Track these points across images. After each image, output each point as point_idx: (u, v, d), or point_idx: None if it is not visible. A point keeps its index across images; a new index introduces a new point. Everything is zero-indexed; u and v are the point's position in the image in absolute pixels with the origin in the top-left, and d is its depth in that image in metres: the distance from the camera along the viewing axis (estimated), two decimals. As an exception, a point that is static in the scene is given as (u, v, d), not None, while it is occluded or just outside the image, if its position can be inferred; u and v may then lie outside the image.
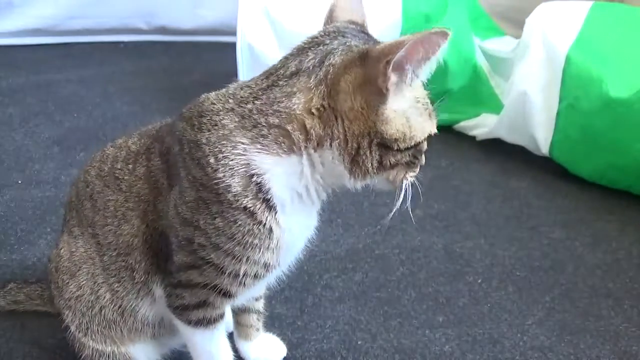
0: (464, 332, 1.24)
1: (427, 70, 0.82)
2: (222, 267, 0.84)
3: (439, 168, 1.85)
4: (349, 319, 1.26)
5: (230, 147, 0.78)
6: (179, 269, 0.87)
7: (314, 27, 2.26)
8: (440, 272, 1.41)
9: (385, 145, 0.79)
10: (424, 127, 0.83)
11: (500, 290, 1.36)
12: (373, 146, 0.79)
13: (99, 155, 0.99)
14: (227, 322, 1.14)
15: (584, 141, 1.70)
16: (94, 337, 0.98)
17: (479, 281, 1.39)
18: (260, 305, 1.10)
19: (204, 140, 0.80)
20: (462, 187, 1.77)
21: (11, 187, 1.63)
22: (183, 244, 0.85)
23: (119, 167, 0.94)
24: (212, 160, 0.79)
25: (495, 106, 1.95)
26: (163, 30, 2.74)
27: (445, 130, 2.06)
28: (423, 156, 0.89)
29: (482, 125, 1.97)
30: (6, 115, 2.01)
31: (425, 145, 0.87)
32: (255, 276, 0.86)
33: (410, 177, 0.87)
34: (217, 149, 0.79)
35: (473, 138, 2.00)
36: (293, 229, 0.84)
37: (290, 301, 1.29)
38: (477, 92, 2.02)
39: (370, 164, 0.80)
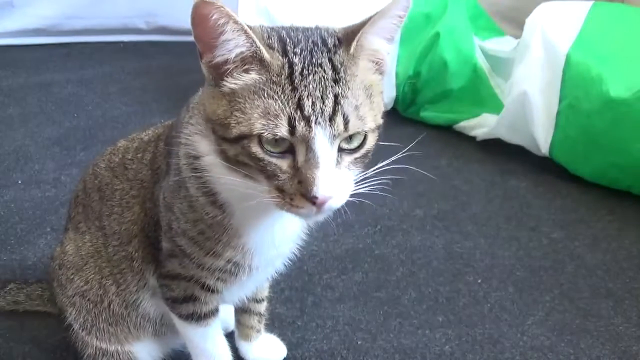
0: (464, 332, 1.24)
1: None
2: (192, 257, 0.84)
3: (439, 168, 1.85)
4: (349, 319, 1.26)
5: (187, 130, 0.80)
6: (165, 257, 0.89)
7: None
8: (440, 272, 1.41)
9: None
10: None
11: (500, 290, 1.36)
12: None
13: (110, 148, 1.02)
14: (227, 320, 1.15)
15: (584, 141, 1.70)
16: (98, 335, 0.99)
17: (479, 281, 1.39)
18: (262, 307, 1.10)
19: (184, 122, 0.81)
20: (462, 187, 1.77)
21: (11, 187, 1.62)
22: (165, 230, 0.86)
23: (129, 157, 0.96)
24: (181, 141, 0.80)
25: (495, 106, 1.95)
26: (163, 30, 2.74)
27: (445, 130, 2.06)
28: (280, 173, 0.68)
29: (482, 125, 1.97)
30: (6, 115, 2.01)
31: (256, 149, 0.67)
32: (229, 272, 0.85)
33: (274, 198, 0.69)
34: (184, 131, 0.80)
35: (473, 138, 2.00)
36: (257, 231, 0.81)
37: (290, 301, 1.29)
38: (477, 92, 2.02)
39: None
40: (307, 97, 0.65)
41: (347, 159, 0.69)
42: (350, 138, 0.68)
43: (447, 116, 2.05)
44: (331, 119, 0.65)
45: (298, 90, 0.65)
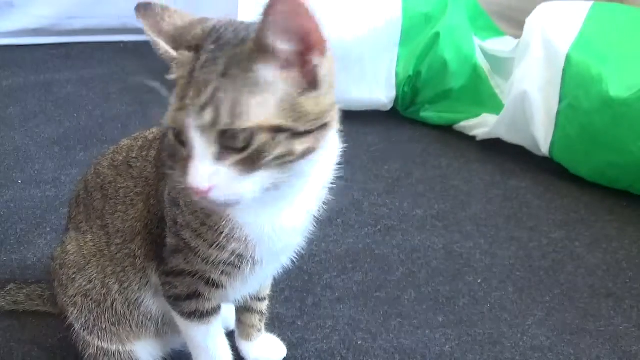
0: (464, 332, 1.24)
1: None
2: (197, 251, 0.84)
3: (439, 168, 1.85)
4: (349, 319, 1.26)
5: None
6: (169, 254, 0.89)
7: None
8: (440, 272, 1.41)
9: None
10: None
11: (500, 290, 1.36)
12: None
13: (113, 147, 1.02)
14: (228, 319, 1.15)
15: (584, 141, 1.70)
16: (100, 334, 0.99)
17: (479, 281, 1.39)
18: (263, 306, 1.11)
19: None
20: (462, 187, 1.77)
21: (11, 187, 1.63)
22: (170, 225, 0.87)
23: (134, 155, 0.97)
24: None
25: (495, 106, 1.95)
26: (163, 30, 2.74)
27: (445, 130, 2.06)
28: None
29: (482, 125, 1.97)
30: (6, 115, 2.01)
31: (169, 138, 0.73)
32: (233, 265, 0.85)
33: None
34: None
35: (473, 138, 2.00)
36: (256, 223, 0.81)
37: (290, 301, 1.29)
38: (477, 92, 2.02)
39: None
40: (192, 88, 0.67)
41: (233, 157, 0.67)
42: (235, 136, 0.67)
43: (447, 116, 2.05)
44: (201, 110, 0.66)
45: (191, 83, 0.68)
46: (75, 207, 1.02)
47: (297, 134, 0.68)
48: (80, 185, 1.03)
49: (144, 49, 2.83)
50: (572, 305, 1.33)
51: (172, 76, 0.71)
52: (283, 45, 0.67)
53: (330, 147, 0.79)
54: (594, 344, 1.22)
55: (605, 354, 1.20)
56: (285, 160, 0.69)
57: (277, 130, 0.67)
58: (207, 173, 0.67)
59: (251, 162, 0.68)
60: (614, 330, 1.26)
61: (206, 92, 0.66)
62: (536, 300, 1.34)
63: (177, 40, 0.73)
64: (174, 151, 0.72)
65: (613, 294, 1.36)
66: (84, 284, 0.97)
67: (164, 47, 0.72)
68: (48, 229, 1.46)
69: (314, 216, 0.87)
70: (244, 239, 0.82)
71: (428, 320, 1.27)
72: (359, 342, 1.20)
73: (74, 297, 0.98)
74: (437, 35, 1.96)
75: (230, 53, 0.68)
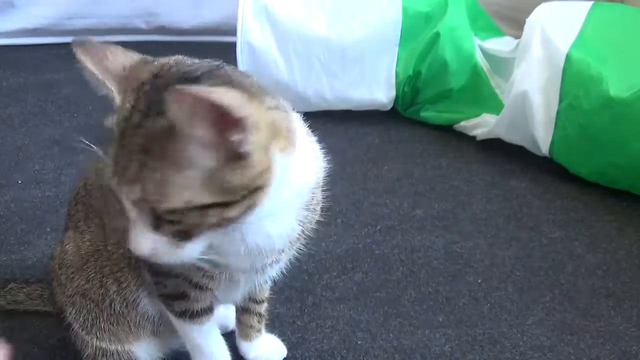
0: (464, 332, 1.24)
1: None
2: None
3: (439, 168, 1.85)
4: (349, 319, 1.26)
5: None
6: None
7: (315, 26, 2.25)
8: (440, 272, 1.41)
9: None
10: None
11: (500, 290, 1.36)
12: None
13: None
14: (228, 318, 1.15)
15: (584, 140, 1.70)
16: (99, 334, 0.99)
17: (479, 281, 1.39)
18: (262, 308, 1.10)
19: None
20: (462, 187, 1.77)
21: (11, 187, 1.63)
22: None
23: None
24: None
25: (495, 106, 1.95)
26: (163, 30, 2.74)
27: (445, 130, 2.05)
28: None
29: (482, 125, 1.97)
30: (6, 115, 2.01)
31: None
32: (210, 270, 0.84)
33: None
34: None
35: (473, 138, 2.00)
36: (217, 237, 0.76)
37: (290, 301, 1.29)
38: (477, 92, 2.02)
39: None
40: (122, 157, 0.66)
41: (169, 228, 0.68)
42: (165, 212, 0.66)
43: (447, 116, 2.05)
44: (131, 184, 0.65)
45: (124, 148, 0.66)
46: (74, 205, 1.02)
47: (228, 204, 0.66)
48: (80, 184, 1.03)
49: (144, 49, 2.83)
50: (572, 305, 1.33)
51: (109, 123, 0.69)
52: (195, 132, 0.62)
53: (297, 177, 0.75)
54: (594, 344, 1.22)
55: (605, 354, 1.20)
56: (222, 225, 0.68)
57: (205, 207, 0.65)
58: (147, 241, 0.69)
59: (187, 232, 0.68)
60: (614, 330, 1.26)
61: (133, 167, 0.65)
62: (536, 300, 1.34)
63: (123, 82, 0.71)
64: (109, 201, 0.71)
65: (613, 294, 1.36)
66: (82, 283, 0.97)
67: (109, 88, 0.70)
68: (48, 229, 1.46)
69: (303, 233, 0.84)
70: (213, 250, 0.79)
71: (428, 320, 1.27)
72: (359, 342, 1.20)
73: (73, 296, 0.98)
74: (437, 35, 1.96)
75: (150, 128, 0.64)
